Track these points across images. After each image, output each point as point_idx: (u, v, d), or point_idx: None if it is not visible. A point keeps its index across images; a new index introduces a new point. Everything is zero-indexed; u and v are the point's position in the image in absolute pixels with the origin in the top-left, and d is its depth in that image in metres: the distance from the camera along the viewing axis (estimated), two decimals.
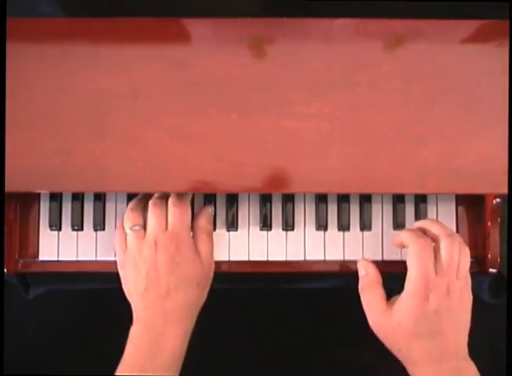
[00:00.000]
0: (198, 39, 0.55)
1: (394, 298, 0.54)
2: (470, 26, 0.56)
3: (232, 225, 0.61)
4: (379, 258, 0.60)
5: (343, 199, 0.61)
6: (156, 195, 0.59)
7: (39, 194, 0.61)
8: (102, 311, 0.73)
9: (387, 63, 0.55)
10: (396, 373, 0.55)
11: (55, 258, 0.61)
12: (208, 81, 0.55)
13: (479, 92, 0.55)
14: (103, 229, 0.61)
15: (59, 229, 0.61)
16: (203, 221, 0.59)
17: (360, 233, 0.61)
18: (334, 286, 0.66)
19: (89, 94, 0.55)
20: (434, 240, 0.54)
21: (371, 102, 0.55)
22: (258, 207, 0.61)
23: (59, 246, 0.61)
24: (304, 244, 0.61)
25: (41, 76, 0.55)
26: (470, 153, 0.55)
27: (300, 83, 0.55)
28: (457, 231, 0.62)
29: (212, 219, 0.60)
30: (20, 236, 0.61)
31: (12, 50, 0.54)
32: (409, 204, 0.62)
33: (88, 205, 0.61)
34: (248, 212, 0.61)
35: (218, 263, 0.60)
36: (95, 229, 0.61)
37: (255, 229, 0.61)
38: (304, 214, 0.62)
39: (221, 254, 0.61)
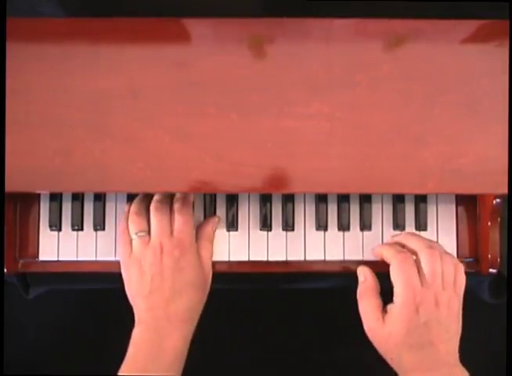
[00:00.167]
0: (198, 39, 0.55)
1: (388, 307, 0.55)
2: (470, 26, 0.56)
3: (232, 225, 0.61)
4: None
5: (343, 199, 0.61)
6: (156, 198, 0.59)
7: (39, 194, 0.61)
8: (102, 311, 0.73)
9: (387, 63, 0.55)
10: (396, 373, 0.55)
11: (55, 258, 0.61)
12: (208, 81, 0.55)
13: (479, 92, 0.55)
14: (103, 229, 0.61)
15: (59, 229, 0.61)
16: (209, 229, 0.60)
17: (360, 233, 0.61)
18: (334, 286, 0.66)
19: (89, 94, 0.54)
20: (415, 253, 0.55)
21: (371, 102, 0.55)
22: (258, 207, 0.61)
23: (59, 246, 0.61)
24: (304, 244, 0.61)
25: (41, 76, 0.55)
26: (470, 153, 0.55)
27: (300, 83, 0.55)
28: (457, 231, 0.62)
29: (216, 228, 0.61)
30: (20, 236, 0.61)
31: (12, 50, 0.54)
32: (409, 204, 0.62)
33: (88, 205, 0.61)
34: (248, 212, 0.61)
35: (218, 263, 0.61)
36: (95, 229, 0.61)
37: (255, 229, 0.61)
38: (304, 214, 0.62)
39: (221, 254, 0.61)
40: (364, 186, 0.55)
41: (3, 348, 0.54)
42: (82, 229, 0.61)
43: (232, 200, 0.61)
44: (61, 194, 0.61)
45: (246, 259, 0.61)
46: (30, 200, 0.61)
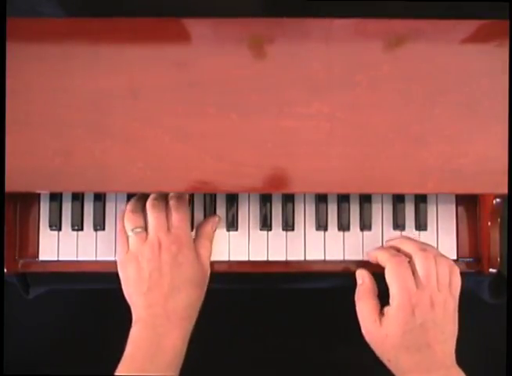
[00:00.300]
0: (198, 39, 0.55)
1: (385, 309, 0.55)
2: (470, 26, 0.56)
3: (232, 225, 0.61)
4: None
5: (343, 199, 0.61)
6: (152, 196, 0.59)
7: (39, 194, 0.61)
8: (102, 311, 0.73)
9: (387, 63, 0.55)
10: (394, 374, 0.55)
11: (55, 258, 0.61)
12: (208, 81, 0.55)
13: (479, 92, 0.55)
14: (103, 229, 0.61)
15: (59, 229, 0.61)
16: (209, 228, 0.60)
17: (360, 233, 0.61)
18: (334, 286, 0.66)
19: (89, 94, 0.54)
20: (409, 256, 0.56)
21: (371, 102, 0.55)
22: (258, 207, 0.61)
23: (59, 246, 0.61)
24: (304, 244, 0.61)
25: (41, 76, 0.55)
26: (470, 153, 0.55)
27: (300, 83, 0.55)
28: (457, 231, 0.62)
29: (216, 227, 0.61)
30: (20, 236, 0.61)
31: (12, 50, 0.54)
32: (409, 204, 0.62)
33: (88, 205, 0.61)
34: (248, 212, 0.61)
35: (218, 263, 0.61)
36: (95, 229, 0.61)
37: (255, 229, 0.61)
38: (304, 214, 0.62)
39: (221, 254, 0.61)
40: (364, 186, 0.55)
41: (3, 348, 0.54)
42: (82, 229, 0.61)
43: (232, 200, 0.61)
44: (61, 194, 0.61)
45: (246, 259, 0.61)
46: (30, 200, 0.61)
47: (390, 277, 0.55)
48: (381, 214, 0.62)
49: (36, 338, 0.73)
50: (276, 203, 0.61)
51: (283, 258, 0.61)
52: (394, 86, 0.55)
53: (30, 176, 0.54)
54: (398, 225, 0.61)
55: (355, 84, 0.55)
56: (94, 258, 0.61)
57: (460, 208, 0.62)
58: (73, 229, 0.61)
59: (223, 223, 0.61)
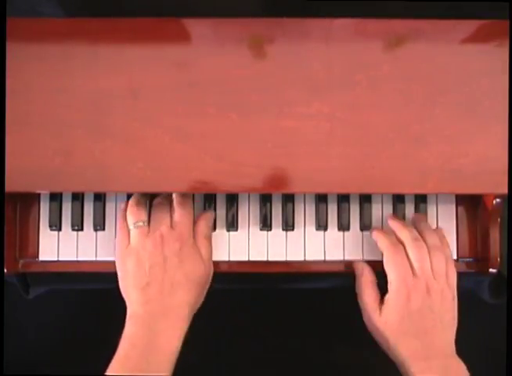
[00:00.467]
0: (198, 39, 0.55)
1: (385, 297, 0.56)
2: (470, 26, 0.56)
3: (232, 225, 0.61)
4: (379, 257, 0.60)
5: (343, 199, 0.61)
6: (158, 197, 0.60)
7: (39, 194, 0.61)
8: (102, 311, 0.73)
9: (387, 63, 0.55)
10: (396, 373, 0.55)
11: (55, 258, 0.61)
12: (208, 81, 0.55)
13: (479, 92, 0.55)
14: (103, 229, 0.61)
15: (59, 229, 0.61)
16: (203, 225, 0.59)
17: (360, 233, 0.61)
18: (334, 286, 0.66)
19: (89, 94, 0.55)
20: (403, 245, 0.57)
21: (371, 102, 0.55)
22: (258, 207, 0.61)
23: (59, 246, 0.61)
24: (304, 244, 0.61)
25: (41, 76, 0.55)
26: (470, 153, 0.55)
27: (300, 83, 0.55)
28: (457, 231, 0.62)
29: (211, 223, 0.60)
30: (20, 236, 0.61)
31: (12, 50, 0.54)
32: (409, 204, 0.62)
33: (88, 205, 0.61)
34: (248, 212, 0.61)
35: (218, 263, 0.60)
36: (95, 229, 0.61)
37: (255, 229, 0.61)
38: (304, 214, 0.62)
39: (221, 254, 0.61)
40: (364, 186, 0.55)
41: (3, 348, 0.54)
42: (82, 229, 0.61)
43: (232, 200, 0.61)
44: (61, 194, 0.61)
45: (246, 259, 0.61)
46: (30, 200, 0.61)
47: (387, 265, 0.56)
48: (381, 214, 0.62)
49: (36, 338, 0.73)
50: (276, 203, 0.61)
51: (283, 258, 0.61)
52: (394, 86, 0.55)
53: (30, 176, 0.54)
54: None
55: (355, 84, 0.55)
56: (94, 258, 0.61)
57: (460, 208, 0.62)
58: (73, 229, 0.61)
59: (223, 223, 0.61)
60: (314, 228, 0.61)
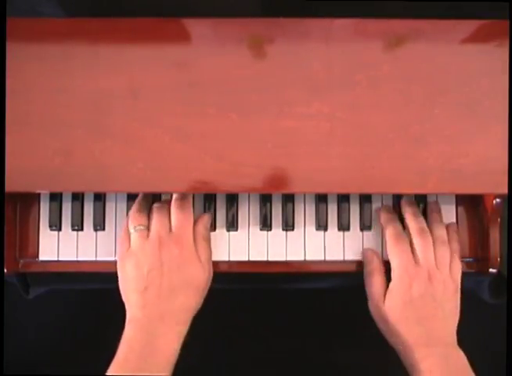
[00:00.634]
0: (198, 39, 0.55)
1: (389, 285, 0.57)
2: (470, 26, 0.56)
3: (232, 225, 0.61)
4: None
5: (343, 199, 0.61)
6: (158, 202, 0.60)
7: (39, 194, 0.61)
8: (102, 311, 0.73)
9: (387, 63, 0.55)
10: (396, 373, 0.55)
11: (55, 258, 0.61)
12: (208, 81, 0.55)
13: (479, 92, 0.55)
14: (103, 229, 0.61)
15: (59, 229, 0.61)
16: (201, 227, 0.59)
17: (360, 233, 0.61)
18: (334, 286, 0.66)
19: (89, 94, 0.55)
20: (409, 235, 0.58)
21: (371, 102, 0.55)
22: (258, 207, 0.61)
23: (59, 246, 0.61)
24: (304, 244, 0.61)
25: (41, 76, 0.55)
26: (470, 153, 0.55)
27: (300, 83, 0.55)
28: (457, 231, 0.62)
29: (209, 225, 0.60)
30: (20, 236, 0.61)
31: (12, 50, 0.54)
32: None
33: (88, 205, 0.61)
34: (248, 212, 0.61)
35: (218, 263, 0.60)
36: (95, 229, 0.61)
37: (255, 229, 0.61)
38: (304, 214, 0.62)
39: (221, 254, 0.61)
40: (364, 186, 0.55)
41: (3, 348, 0.54)
42: (82, 229, 0.61)
43: (232, 200, 0.61)
44: (61, 194, 0.61)
45: (246, 259, 0.61)
46: (30, 200, 0.61)
47: (390, 253, 0.57)
48: None
49: (36, 338, 0.73)
50: (276, 203, 0.61)
51: (283, 258, 0.61)
52: (394, 86, 0.55)
53: (30, 176, 0.54)
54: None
55: (355, 84, 0.55)
56: (94, 259, 0.61)
57: (460, 208, 0.62)
58: (73, 229, 0.61)
59: (223, 223, 0.61)
60: (314, 228, 0.61)
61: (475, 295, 0.66)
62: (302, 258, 0.61)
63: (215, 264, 0.60)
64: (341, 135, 0.55)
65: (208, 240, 0.59)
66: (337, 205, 0.61)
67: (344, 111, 0.54)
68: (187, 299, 0.55)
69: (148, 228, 0.57)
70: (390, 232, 0.58)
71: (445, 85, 0.55)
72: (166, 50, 0.55)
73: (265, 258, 0.61)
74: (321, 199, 0.61)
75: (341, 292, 0.61)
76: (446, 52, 0.55)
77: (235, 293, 0.68)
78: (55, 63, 0.55)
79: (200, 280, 0.57)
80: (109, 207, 0.61)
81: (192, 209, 0.59)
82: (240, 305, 0.72)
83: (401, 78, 0.55)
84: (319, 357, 0.71)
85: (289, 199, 0.61)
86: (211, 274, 0.58)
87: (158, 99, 0.54)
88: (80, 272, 0.61)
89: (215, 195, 0.62)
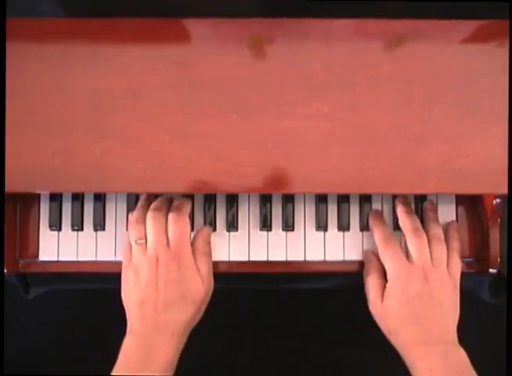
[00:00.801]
0: (198, 39, 0.55)
1: (386, 286, 0.57)
2: (470, 26, 0.56)
3: (232, 225, 0.61)
4: None
5: (343, 199, 0.61)
6: (153, 206, 0.58)
7: (39, 194, 0.61)
8: (102, 311, 0.73)
9: (387, 63, 0.55)
10: (396, 373, 0.55)
11: (55, 259, 0.61)
12: (208, 81, 0.55)
13: (479, 92, 0.55)
14: (103, 229, 0.61)
15: (59, 229, 0.61)
16: (201, 242, 0.58)
17: (360, 233, 0.61)
18: (334, 286, 0.66)
19: (89, 94, 0.55)
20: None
21: (371, 102, 0.55)
22: (258, 207, 0.61)
23: (59, 246, 0.61)
24: (304, 244, 0.61)
25: (41, 76, 0.55)
26: (470, 153, 0.55)
27: (300, 83, 0.55)
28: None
29: (210, 238, 0.60)
30: (20, 236, 0.61)
31: (12, 50, 0.54)
32: None
33: (88, 205, 0.61)
34: (248, 212, 0.61)
35: (218, 263, 0.60)
36: (95, 230, 0.61)
37: (255, 230, 0.61)
38: (304, 214, 0.62)
39: (221, 255, 0.61)
40: (364, 186, 0.55)
41: (3, 348, 0.54)
42: (82, 229, 0.61)
43: (232, 200, 0.61)
44: (61, 194, 0.61)
45: (247, 259, 0.61)
46: (30, 200, 0.61)
47: (381, 256, 0.57)
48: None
49: (36, 338, 0.73)
50: (276, 203, 0.61)
51: (283, 259, 0.61)
52: (394, 86, 0.55)
53: (30, 176, 0.54)
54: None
55: (355, 84, 0.55)
56: (94, 259, 0.61)
57: (460, 208, 0.62)
58: (73, 230, 0.61)
59: (223, 223, 0.61)
60: (314, 228, 0.61)
61: (475, 295, 0.66)
62: (302, 259, 0.61)
63: (215, 264, 0.59)
64: (341, 135, 0.55)
65: (208, 254, 0.59)
66: (336, 205, 0.61)
67: (344, 111, 0.54)
68: (183, 314, 0.55)
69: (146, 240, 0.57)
70: (378, 236, 0.58)
71: (445, 85, 0.55)
72: (166, 50, 0.55)
73: (265, 259, 0.61)
74: (321, 199, 0.61)
75: (341, 292, 0.61)
76: (446, 52, 0.55)
77: (235, 293, 0.67)
78: (55, 63, 0.55)
79: (197, 294, 0.56)
80: (109, 207, 0.61)
81: (188, 219, 0.58)
82: (240, 305, 0.72)
83: (401, 78, 0.55)
84: (319, 357, 0.71)
85: (289, 199, 0.61)
86: (211, 287, 0.58)
87: (158, 99, 0.54)
88: (80, 272, 0.61)
89: (215, 195, 0.62)
